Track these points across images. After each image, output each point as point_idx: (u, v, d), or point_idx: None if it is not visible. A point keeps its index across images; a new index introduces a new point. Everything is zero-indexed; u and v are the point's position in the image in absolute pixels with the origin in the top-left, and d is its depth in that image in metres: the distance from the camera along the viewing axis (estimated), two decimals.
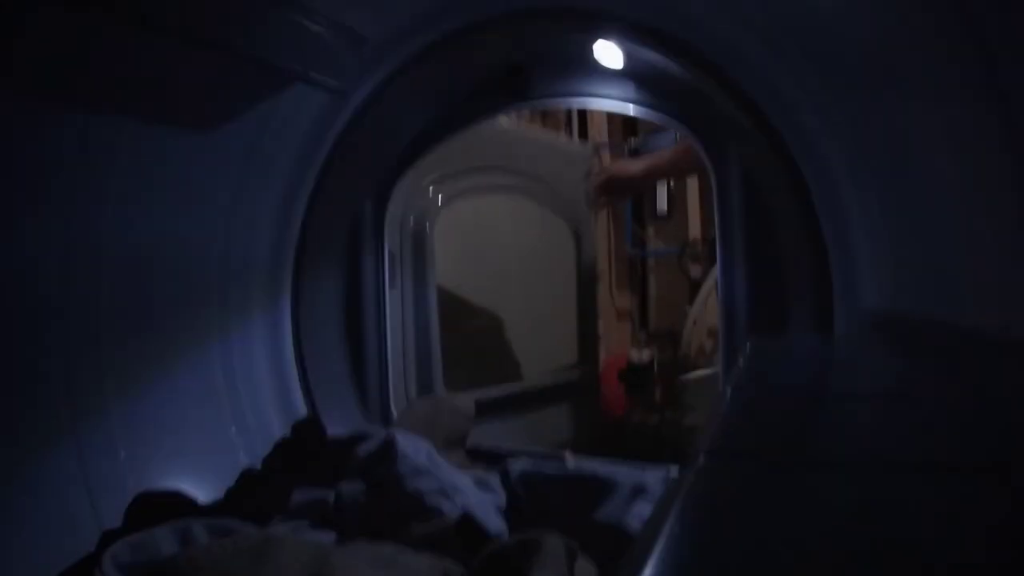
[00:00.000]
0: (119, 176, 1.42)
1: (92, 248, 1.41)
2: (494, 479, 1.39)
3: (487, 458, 1.66)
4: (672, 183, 3.53)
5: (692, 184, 3.47)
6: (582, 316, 2.94)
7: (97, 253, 1.42)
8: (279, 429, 1.82)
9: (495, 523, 1.23)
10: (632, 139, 3.54)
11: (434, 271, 2.23)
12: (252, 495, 1.42)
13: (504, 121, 2.59)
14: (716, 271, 1.58)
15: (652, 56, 1.50)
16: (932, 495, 0.43)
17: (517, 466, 1.35)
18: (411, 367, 2.15)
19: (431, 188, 2.20)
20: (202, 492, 1.45)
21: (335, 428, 1.87)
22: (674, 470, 1.40)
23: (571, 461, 1.49)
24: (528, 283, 2.67)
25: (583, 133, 3.89)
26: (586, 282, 2.96)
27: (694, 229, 3.48)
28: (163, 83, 1.41)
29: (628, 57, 1.58)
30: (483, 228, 2.54)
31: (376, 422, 1.90)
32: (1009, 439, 0.52)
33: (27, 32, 1.15)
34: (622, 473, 1.28)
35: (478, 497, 1.31)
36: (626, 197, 3.65)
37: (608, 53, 1.62)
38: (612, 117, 3.75)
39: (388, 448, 1.31)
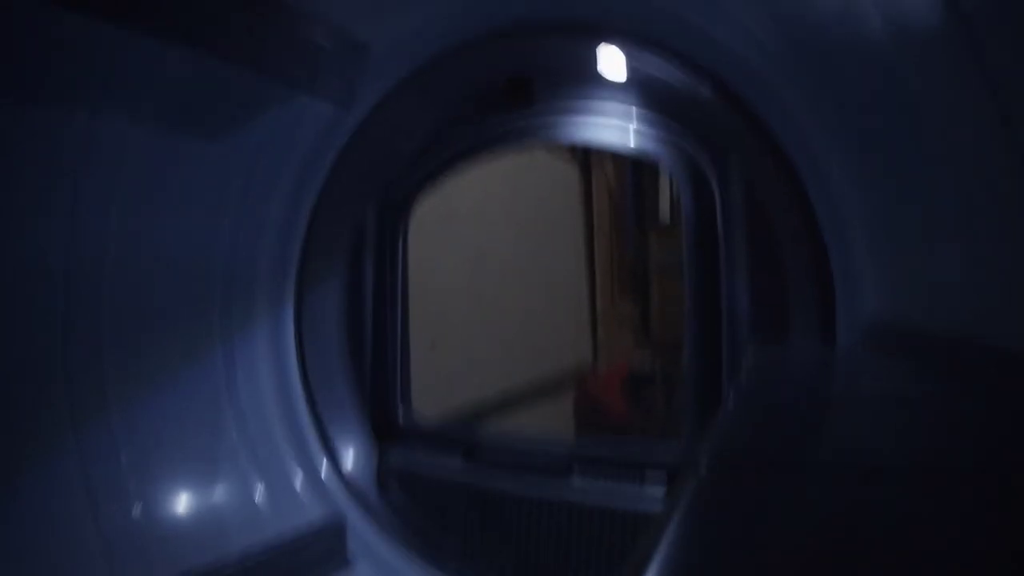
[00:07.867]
0: (125, 184, 1.42)
1: (96, 255, 1.41)
2: None
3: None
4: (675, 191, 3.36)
5: None
6: None
7: (101, 260, 1.42)
8: (280, 433, 1.83)
9: None
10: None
11: (429, 281, 2.28)
12: None
13: None
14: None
15: (655, 67, 1.51)
16: (933, 501, 0.43)
17: None
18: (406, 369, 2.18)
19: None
20: (203, 495, 1.45)
21: (335, 430, 1.87)
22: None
23: None
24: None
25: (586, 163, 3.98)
26: None
27: None
28: (169, 93, 1.42)
29: (631, 69, 1.59)
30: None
31: (376, 424, 1.91)
32: (1010, 446, 0.52)
33: (30, 37, 1.15)
34: None
35: None
36: None
37: (611, 64, 1.62)
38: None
39: None
